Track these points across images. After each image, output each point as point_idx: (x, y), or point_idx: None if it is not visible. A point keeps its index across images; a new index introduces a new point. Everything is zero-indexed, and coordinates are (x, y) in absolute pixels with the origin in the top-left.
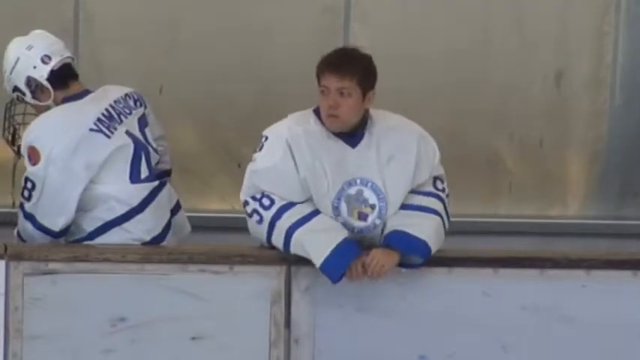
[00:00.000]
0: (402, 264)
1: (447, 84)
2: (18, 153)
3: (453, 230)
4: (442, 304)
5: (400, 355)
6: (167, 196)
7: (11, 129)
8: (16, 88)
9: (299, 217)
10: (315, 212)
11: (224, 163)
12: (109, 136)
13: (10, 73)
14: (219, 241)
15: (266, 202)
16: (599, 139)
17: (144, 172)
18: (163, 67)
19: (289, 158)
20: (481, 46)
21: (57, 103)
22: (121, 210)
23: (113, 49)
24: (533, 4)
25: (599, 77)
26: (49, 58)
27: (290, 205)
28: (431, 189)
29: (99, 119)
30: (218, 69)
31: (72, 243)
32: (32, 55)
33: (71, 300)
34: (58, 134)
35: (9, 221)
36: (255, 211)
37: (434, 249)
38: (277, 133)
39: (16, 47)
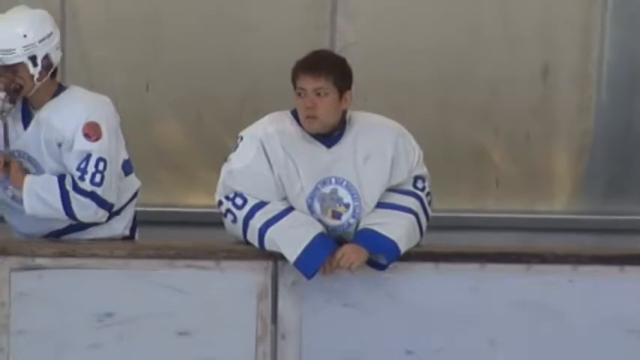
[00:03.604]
0: (369, 263)
1: (433, 79)
2: None
3: (439, 225)
4: (429, 300)
5: (387, 350)
6: None
7: None
8: (33, 58)
9: (271, 215)
10: (288, 210)
11: (211, 159)
12: None
13: (40, 41)
14: (206, 236)
15: (239, 201)
16: (586, 134)
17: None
18: (149, 64)
19: (263, 158)
20: (467, 41)
21: (41, 92)
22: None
23: (99, 46)
24: None
25: (585, 72)
26: (59, 47)
27: (262, 203)
28: (409, 188)
29: None
30: (204, 65)
31: (63, 234)
32: (58, 36)
33: (58, 295)
34: (102, 104)
35: None
36: (228, 210)
37: (403, 249)
38: (251, 133)
39: (48, 20)
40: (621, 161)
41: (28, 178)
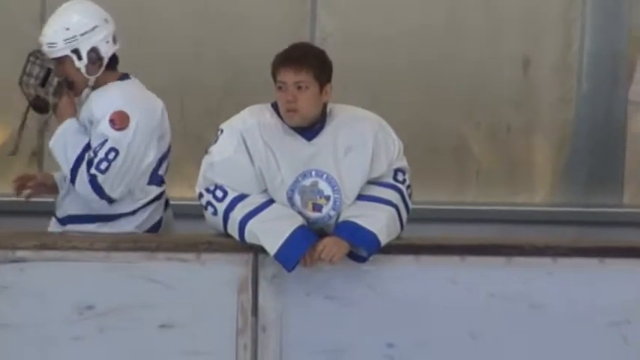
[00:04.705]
0: (349, 255)
1: (414, 71)
2: (33, 105)
3: (420, 217)
4: (409, 292)
5: (368, 343)
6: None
7: (41, 75)
8: (76, 51)
9: (251, 207)
10: (269, 202)
11: (193, 151)
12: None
13: (82, 35)
14: (187, 228)
15: (219, 193)
16: (566, 126)
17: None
18: (133, 54)
19: (243, 150)
20: (448, 32)
21: (95, 83)
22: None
23: None
24: None
25: (566, 64)
26: (116, 40)
27: (243, 196)
28: (389, 180)
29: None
30: (187, 56)
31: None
32: (110, 29)
33: (39, 288)
34: (145, 103)
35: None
36: (209, 203)
37: (384, 241)
38: (232, 126)
39: (94, 14)
40: (602, 153)
41: (70, 120)
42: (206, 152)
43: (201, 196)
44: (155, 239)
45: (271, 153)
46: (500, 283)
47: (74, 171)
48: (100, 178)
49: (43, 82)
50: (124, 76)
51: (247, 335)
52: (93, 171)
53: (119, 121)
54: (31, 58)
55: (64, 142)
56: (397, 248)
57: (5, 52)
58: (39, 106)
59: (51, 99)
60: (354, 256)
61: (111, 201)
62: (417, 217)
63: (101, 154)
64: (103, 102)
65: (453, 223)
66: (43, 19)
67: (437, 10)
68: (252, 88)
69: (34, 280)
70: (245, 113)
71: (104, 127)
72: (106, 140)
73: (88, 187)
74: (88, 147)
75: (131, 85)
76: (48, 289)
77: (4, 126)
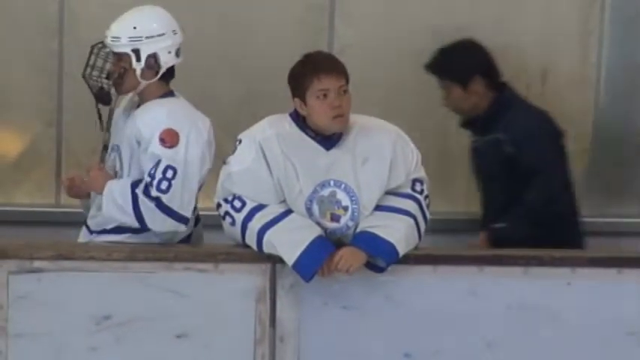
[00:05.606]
0: (367, 265)
1: (432, 83)
2: (96, 97)
3: (439, 228)
4: (427, 302)
5: (385, 353)
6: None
7: (106, 67)
8: (136, 52)
9: (270, 218)
10: (287, 212)
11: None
12: None
13: (147, 37)
14: (205, 239)
15: (237, 204)
16: (584, 137)
17: None
18: None
19: (262, 160)
20: None
21: (142, 92)
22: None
23: None
24: (518, 2)
25: (583, 76)
26: (179, 53)
27: (261, 206)
28: (407, 190)
29: None
30: (202, 67)
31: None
32: (175, 41)
33: (56, 298)
34: (191, 119)
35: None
36: (227, 213)
37: (402, 252)
38: (250, 136)
39: (164, 22)
40: (620, 164)
41: (108, 183)
42: (224, 162)
43: (219, 206)
44: (173, 249)
45: (290, 163)
46: (518, 294)
47: (136, 207)
48: (165, 198)
49: (109, 74)
50: (169, 93)
51: (265, 345)
52: (155, 193)
53: (169, 138)
54: (94, 50)
55: (114, 200)
56: (415, 258)
57: (22, 68)
58: (102, 97)
59: (113, 91)
60: (372, 267)
61: (186, 221)
62: (437, 227)
63: (159, 175)
64: (149, 121)
65: (471, 233)
66: (61, 29)
67: (454, 21)
68: (268, 99)
69: (50, 290)
70: (264, 123)
71: (155, 147)
72: (159, 160)
73: (160, 215)
74: (135, 184)
75: (176, 102)
76: (65, 299)
77: (21, 138)
